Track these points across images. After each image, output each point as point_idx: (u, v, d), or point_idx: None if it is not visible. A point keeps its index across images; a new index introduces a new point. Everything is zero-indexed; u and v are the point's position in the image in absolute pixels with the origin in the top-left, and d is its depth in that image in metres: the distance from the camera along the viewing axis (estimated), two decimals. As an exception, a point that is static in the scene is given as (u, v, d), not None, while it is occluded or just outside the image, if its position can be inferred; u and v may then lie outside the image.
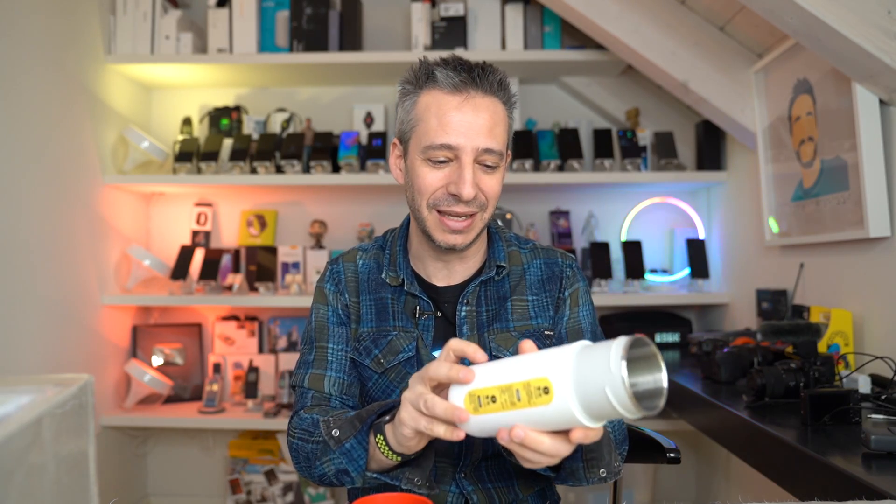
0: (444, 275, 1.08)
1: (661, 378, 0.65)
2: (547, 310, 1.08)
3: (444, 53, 1.04)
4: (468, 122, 0.96)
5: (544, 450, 0.70)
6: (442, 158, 0.97)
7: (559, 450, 0.71)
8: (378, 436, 0.85)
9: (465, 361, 0.80)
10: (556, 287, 1.09)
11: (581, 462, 0.88)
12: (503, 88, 1.01)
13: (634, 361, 0.64)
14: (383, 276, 1.08)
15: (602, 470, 0.90)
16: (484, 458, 1.04)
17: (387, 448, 0.85)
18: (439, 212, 0.99)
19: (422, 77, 1.00)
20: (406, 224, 1.13)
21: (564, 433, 0.70)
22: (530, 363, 0.70)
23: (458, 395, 0.75)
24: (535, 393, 0.67)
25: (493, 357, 1.01)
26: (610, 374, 0.62)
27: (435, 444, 0.88)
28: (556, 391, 0.66)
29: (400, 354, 1.04)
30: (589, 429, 0.68)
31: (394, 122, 1.12)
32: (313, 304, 1.12)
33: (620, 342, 0.63)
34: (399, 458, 0.85)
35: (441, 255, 1.06)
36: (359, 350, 1.07)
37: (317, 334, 1.08)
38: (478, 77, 0.97)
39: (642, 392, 0.65)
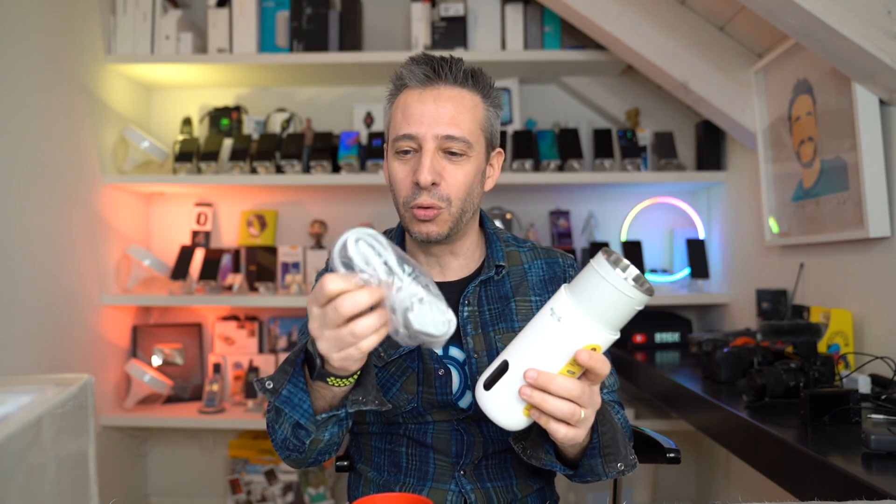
0: (437, 271, 1.08)
1: (632, 267, 0.72)
2: None
3: (414, 53, 1.06)
4: (430, 112, 0.97)
5: (558, 387, 0.74)
6: (406, 149, 0.99)
7: (572, 388, 0.74)
8: (330, 378, 0.81)
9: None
10: (560, 287, 1.09)
11: (600, 458, 0.88)
12: (473, 79, 1.01)
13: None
14: None
15: (619, 464, 0.89)
16: (484, 457, 1.04)
17: (338, 379, 0.81)
18: (410, 207, 1.00)
19: (396, 81, 1.02)
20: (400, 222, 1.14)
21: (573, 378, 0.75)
22: (532, 318, 0.78)
23: None
24: (542, 326, 0.75)
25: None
26: (606, 277, 0.71)
27: (372, 359, 0.86)
28: (561, 311, 0.73)
29: (401, 348, 1.03)
30: (594, 349, 0.73)
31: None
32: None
33: (599, 255, 0.72)
34: (352, 379, 0.82)
35: (428, 250, 1.06)
36: None
37: None
38: (439, 69, 0.98)
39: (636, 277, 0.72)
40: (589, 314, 0.72)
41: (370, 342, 0.74)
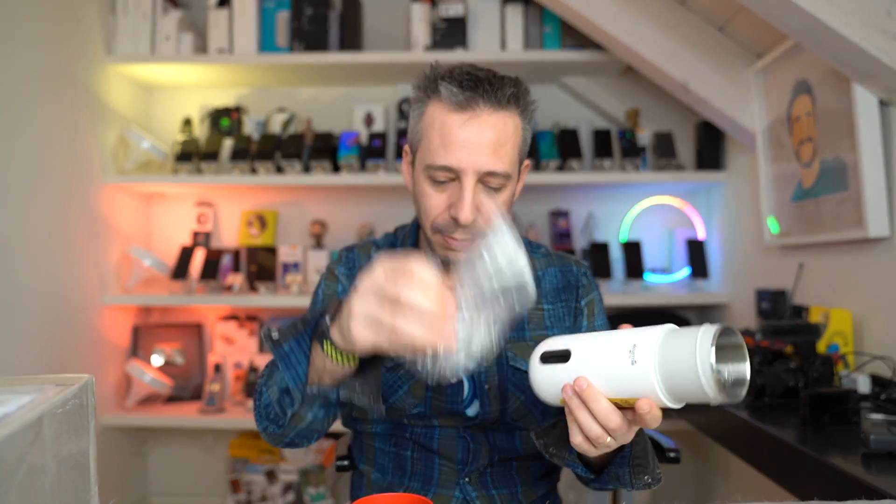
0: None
1: (745, 368, 0.68)
2: (563, 319, 1.06)
3: (454, 61, 0.98)
4: (471, 143, 0.90)
5: (598, 410, 0.70)
6: (443, 179, 0.93)
7: (611, 419, 0.71)
8: (325, 342, 0.77)
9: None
10: (573, 296, 1.08)
11: (628, 468, 0.87)
12: (516, 100, 0.94)
13: (723, 349, 0.66)
14: None
15: (647, 476, 0.88)
16: (490, 464, 1.03)
17: (334, 351, 0.76)
18: (441, 233, 0.97)
19: (429, 86, 0.95)
20: (416, 222, 1.11)
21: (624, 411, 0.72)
22: (618, 333, 0.72)
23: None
24: (618, 354, 0.70)
25: (508, 367, 1.01)
26: (698, 356, 0.64)
27: (384, 364, 0.82)
28: (640, 357, 0.67)
29: None
30: (655, 405, 0.68)
31: (393, 122, 1.11)
32: (322, 281, 1.08)
33: (711, 328, 0.65)
34: (350, 362, 0.78)
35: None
36: None
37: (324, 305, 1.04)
38: (485, 92, 0.91)
39: (727, 379, 0.68)
40: (663, 382, 0.67)
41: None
